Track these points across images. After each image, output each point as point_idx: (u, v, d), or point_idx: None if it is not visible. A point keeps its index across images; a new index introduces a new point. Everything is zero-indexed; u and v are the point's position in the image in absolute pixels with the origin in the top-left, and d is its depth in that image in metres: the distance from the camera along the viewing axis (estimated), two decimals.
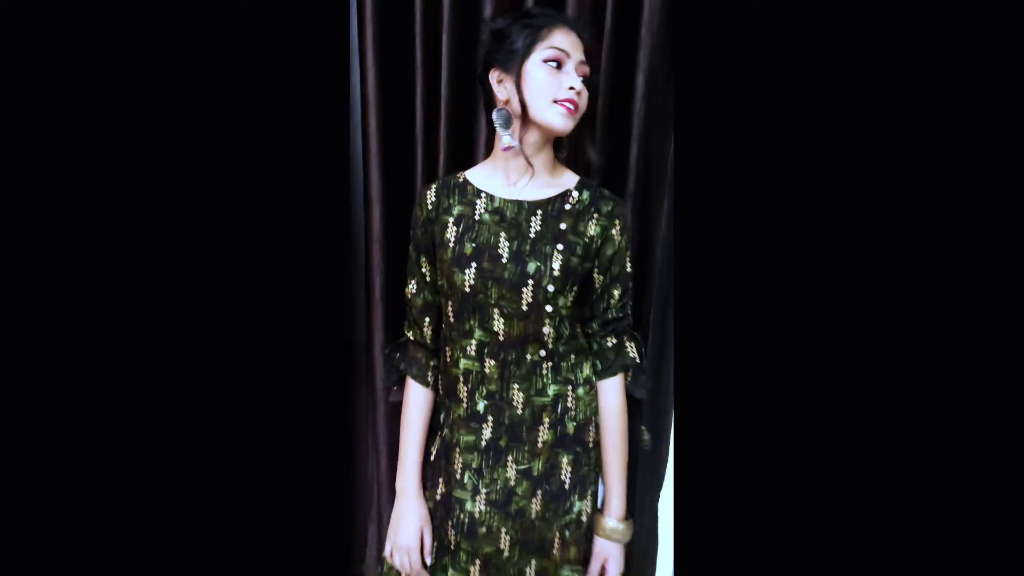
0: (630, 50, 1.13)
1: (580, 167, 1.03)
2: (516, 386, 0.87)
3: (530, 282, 0.83)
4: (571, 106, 0.80)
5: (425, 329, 0.95)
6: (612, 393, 0.90)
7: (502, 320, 0.85)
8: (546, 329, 0.86)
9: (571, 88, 0.80)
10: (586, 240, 0.86)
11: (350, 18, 1.18)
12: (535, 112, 0.81)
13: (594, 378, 0.91)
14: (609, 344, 0.90)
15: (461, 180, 0.91)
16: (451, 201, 0.89)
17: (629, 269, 0.91)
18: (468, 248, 0.85)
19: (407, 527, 0.91)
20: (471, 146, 1.19)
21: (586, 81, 0.84)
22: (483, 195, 0.88)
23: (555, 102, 0.80)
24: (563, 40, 0.81)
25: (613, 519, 0.90)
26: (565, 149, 0.92)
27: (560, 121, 0.81)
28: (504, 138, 0.84)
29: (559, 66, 0.81)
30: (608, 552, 0.90)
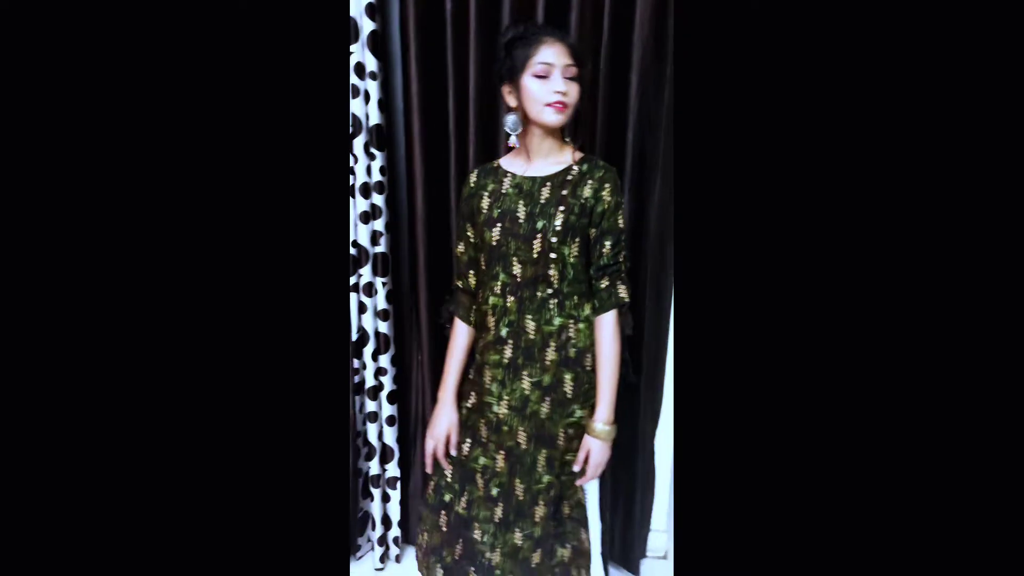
0: (625, 53, 1.37)
1: (587, 147, 1.27)
2: (529, 317, 1.12)
3: (538, 236, 1.08)
4: (560, 106, 1.06)
5: (469, 279, 1.23)
6: (605, 326, 1.13)
7: (518, 265, 1.11)
8: (552, 272, 1.10)
9: (557, 92, 1.05)
10: (582, 201, 1.10)
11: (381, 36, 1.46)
12: (533, 115, 1.08)
13: (592, 315, 1.14)
14: (603, 286, 1.13)
15: (495, 165, 1.20)
16: (486, 180, 1.18)
17: (621, 225, 1.12)
18: (495, 213, 1.12)
19: (439, 424, 1.21)
20: (494, 141, 1.45)
21: (576, 78, 1.08)
22: (509, 174, 1.16)
23: (546, 105, 1.06)
24: (549, 54, 1.05)
25: (600, 422, 1.13)
26: (568, 133, 1.17)
27: (553, 118, 1.07)
28: (511, 138, 1.14)
29: (547, 76, 1.06)
30: (591, 445, 1.13)
